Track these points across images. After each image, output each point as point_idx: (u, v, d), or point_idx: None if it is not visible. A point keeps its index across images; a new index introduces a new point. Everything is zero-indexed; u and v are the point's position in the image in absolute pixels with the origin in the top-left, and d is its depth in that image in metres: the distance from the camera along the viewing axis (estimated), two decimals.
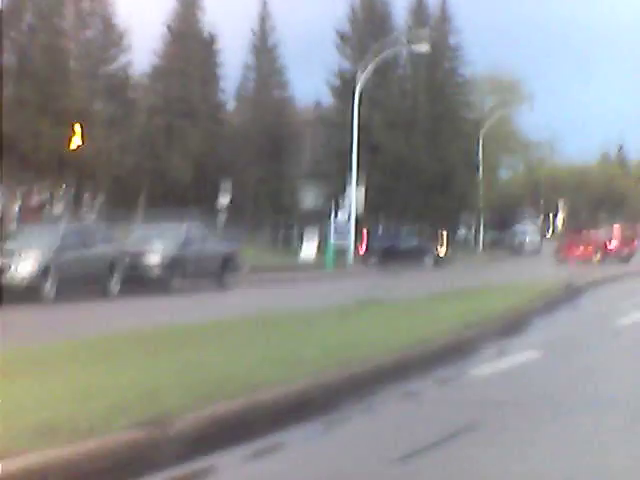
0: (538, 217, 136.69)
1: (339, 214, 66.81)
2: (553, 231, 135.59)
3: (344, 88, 71.78)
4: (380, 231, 63.98)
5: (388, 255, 55.71)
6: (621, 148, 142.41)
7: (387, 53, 71.20)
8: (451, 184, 68.71)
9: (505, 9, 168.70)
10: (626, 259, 56.56)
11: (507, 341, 16.22)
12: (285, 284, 36.19)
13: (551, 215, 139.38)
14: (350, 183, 50.71)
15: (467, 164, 71.25)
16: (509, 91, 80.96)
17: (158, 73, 65.39)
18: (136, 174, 59.34)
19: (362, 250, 57.70)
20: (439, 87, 70.06)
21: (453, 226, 79.37)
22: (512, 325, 17.82)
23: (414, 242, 57.62)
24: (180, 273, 29.45)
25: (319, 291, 31.45)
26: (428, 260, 54.99)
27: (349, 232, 67.16)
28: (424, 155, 68.38)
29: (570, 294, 24.94)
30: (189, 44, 64.56)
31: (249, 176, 65.91)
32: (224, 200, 60.56)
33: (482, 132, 74.93)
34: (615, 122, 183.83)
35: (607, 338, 17.60)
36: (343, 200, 66.95)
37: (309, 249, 51.89)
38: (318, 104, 72.20)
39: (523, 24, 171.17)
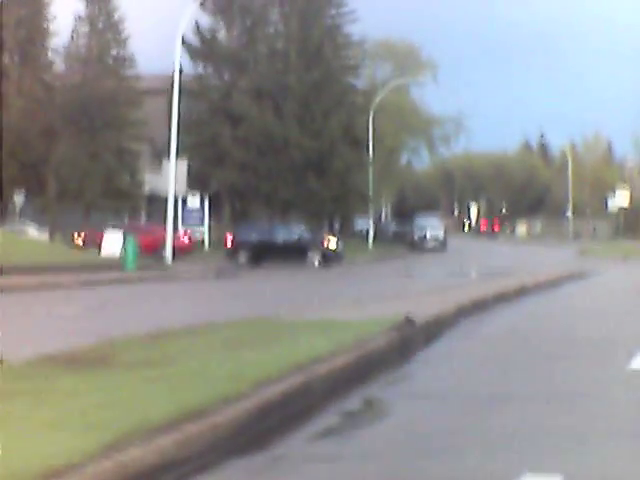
0: (453, 210, 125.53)
1: (189, 200, 54.64)
2: (470, 226, 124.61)
3: (204, 49, 59.57)
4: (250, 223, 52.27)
5: (262, 251, 44.03)
6: (542, 137, 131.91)
7: (255, 5, 59.24)
8: (329, 165, 56.70)
9: None
10: None
11: None
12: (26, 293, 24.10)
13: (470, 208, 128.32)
14: (169, 157, 38.46)
15: (353, 142, 59.30)
16: (407, 58, 69.15)
17: None
18: None
19: (229, 244, 45.68)
20: (316, 47, 57.99)
21: (347, 216, 67.57)
22: None
23: (295, 235, 45.74)
24: None
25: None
26: (312, 257, 43.30)
27: (201, 220, 55.14)
28: (296, 128, 56.32)
29: (406, 342, 12.54)
30: None
31: (78, 151, 53.26)
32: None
33: (373, 105, 63.14)
34: (534, 111, 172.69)
35: None
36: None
37: (112, 243, 39.45)
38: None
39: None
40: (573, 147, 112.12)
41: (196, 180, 55.68)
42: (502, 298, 20.31)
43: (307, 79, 57.03)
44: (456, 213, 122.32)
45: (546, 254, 62.02)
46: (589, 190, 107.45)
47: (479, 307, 17.92)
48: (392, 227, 78.37)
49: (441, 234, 68.09)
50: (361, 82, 66.34)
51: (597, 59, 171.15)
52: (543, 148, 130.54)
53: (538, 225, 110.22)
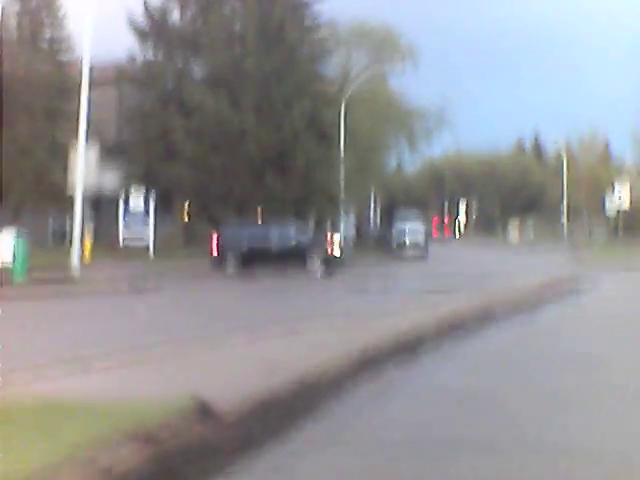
0: (443, 212, 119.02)
1: (131, 201, 48.40)
2: (460, 231, 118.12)
3: (153, 31, 53.39)
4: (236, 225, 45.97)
5: (253, 257, 38.30)
6: (537, 136, 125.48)
7: None
8: (291, 161, 50.44)
9: None
10: None
11: None
12: None
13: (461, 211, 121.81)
14: (78, 151, 32.24)
15: (319, 136, 52.89)
16: (385, 45, 62.74)
17: None
18: None
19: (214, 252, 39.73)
20: (277, 29, 51.67)
21: (321, 219, 61.15)
22: None
23: (292, 237, 39.96)
24: None
25: None
26: (313, 264, 37.91)
27: (146, 226, 48.72)
28: (253, 120, 50.03)
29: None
30: None
31: (5, 145, 46.88)
32: None
33: (345, 95, 56.87)
34: (529, 110, 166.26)
35: None
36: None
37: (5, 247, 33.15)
38: (122, 58, 53.47)
39: None
40: (569, 146, 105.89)
41: (144, 178, 49.60)
42: (447, 334, 14.04)
43: (267, 65, 50.70)
44: (443, 217, 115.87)
45: (536, 262, 55.93)
46: (585, 191, 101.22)
47: (400, 351, 11.64)
48: (376, 231, 72.12)
49: (422, 239, 61.61)
50: (332, 70, 59.97)
51: (594, 57, 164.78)
52: (537, 148, 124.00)
53: (531, 228, 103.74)
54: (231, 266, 37.90)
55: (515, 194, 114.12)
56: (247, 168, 49.50)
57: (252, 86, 50.53)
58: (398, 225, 64.86)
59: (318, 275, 36.95)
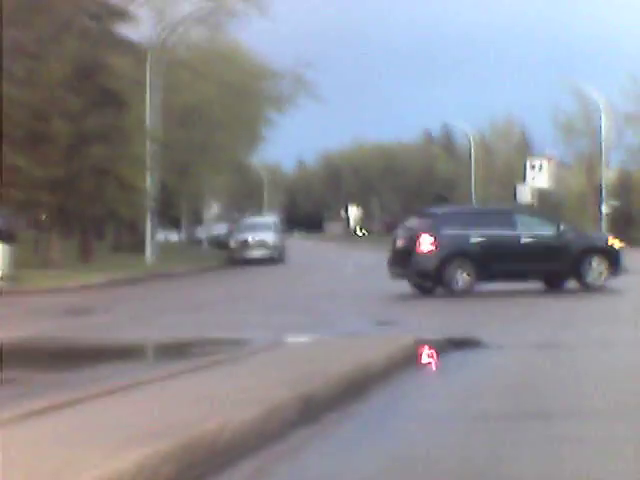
0: (340, 212, 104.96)
1: None
2: (361, 229, 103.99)
3: None
4: None
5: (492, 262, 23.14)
6: (447, 129, 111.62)
7: None
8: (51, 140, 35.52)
9: None
10: None
11: None
12: None
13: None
14: None
15: (114, 106, 37.98)
16: None
17: None
18: None
19: None
20: None
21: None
22: None
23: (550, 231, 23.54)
24: None
25: None
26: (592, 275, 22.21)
27: None
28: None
29: None
30: None
31: None
32: None
33: (151, 52, 42.63)
34: (441, 104, 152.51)
35: None
36: None
37: None
38: None
39: None
40: (482, 136, 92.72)
41: None
42: None
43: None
44: (341, 214, 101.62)
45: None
46: (498, 183, 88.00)
47: None
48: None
49: (271, 239, 46.97)
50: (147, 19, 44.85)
51: (510, 45, 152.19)
52: (447, 138, 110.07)
53: None
54: (459, 278, 22.09)
55: (421, 189, 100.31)
56: None
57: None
58: (243, 222, 50.57)
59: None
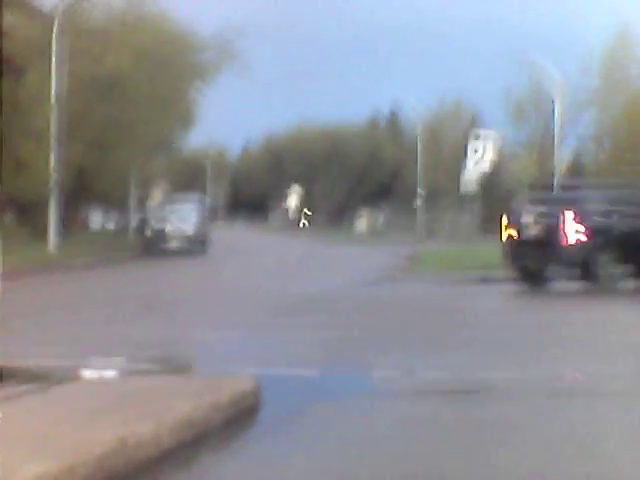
0: (282, 200, 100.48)
1: None
2: (304, 218, 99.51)
3: None
4: None
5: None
6: (394, 113, 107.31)
7: None
8: None
9: None
10: None
11: None
12: None
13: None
14: None
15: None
16: None
17: None
18: None
19: None
20: None
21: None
22: None
23: None
24: None
25: None
26: None
27: None
28: None
29: None
30: None
31: None
32: None
33: (59, 16, 37.82)
34: (388, 81, 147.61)
35: None
36: None
37: None
38: None
39: None
40: (430, 120, 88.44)
41: None
42: None
43: None
44: (285, 203, 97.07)
45: (349, 262, 38.16)
46: (446, 170, 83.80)
47: None
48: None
49: (192, 229, 42.51)
50: None
51: (458, 26, 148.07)
52: (393, 122, 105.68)
53: (381, 218, 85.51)
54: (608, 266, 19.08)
55: (365, 176, 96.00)
56: None
57: None
58: (161, 209, 46.02)
59: None
